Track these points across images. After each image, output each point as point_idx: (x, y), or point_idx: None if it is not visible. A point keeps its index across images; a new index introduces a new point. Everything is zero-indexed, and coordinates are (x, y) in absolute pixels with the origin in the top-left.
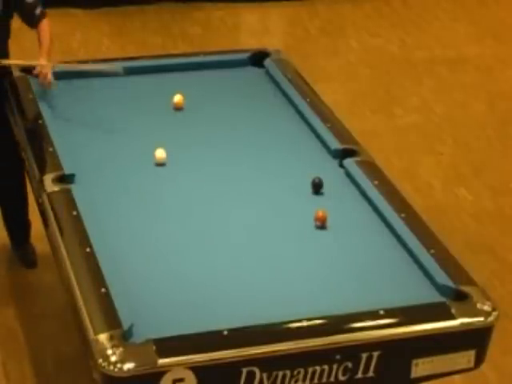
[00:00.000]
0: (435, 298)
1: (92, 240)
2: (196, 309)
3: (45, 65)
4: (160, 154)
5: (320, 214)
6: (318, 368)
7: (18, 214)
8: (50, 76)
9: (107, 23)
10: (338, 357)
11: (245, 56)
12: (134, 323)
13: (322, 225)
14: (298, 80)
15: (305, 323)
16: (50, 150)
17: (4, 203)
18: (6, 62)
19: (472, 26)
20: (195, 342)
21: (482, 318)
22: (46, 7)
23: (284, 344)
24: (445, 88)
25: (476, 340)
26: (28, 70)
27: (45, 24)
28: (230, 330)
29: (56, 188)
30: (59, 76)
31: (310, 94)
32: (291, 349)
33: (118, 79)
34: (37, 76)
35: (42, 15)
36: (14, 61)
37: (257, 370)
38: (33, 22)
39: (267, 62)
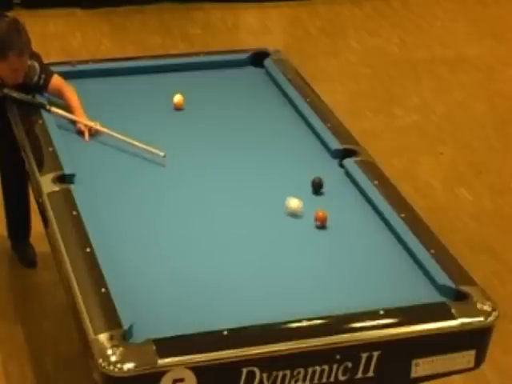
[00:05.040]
0: (435, 298)
1: (92, 240)
2: (196, 309)
3: (86, 125)
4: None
5: (320, 213)
6: (317, 368)
7: (20, 212)
8: (86, 136)
9: (107, 23)
10: (337, 357)
11: (245, 56)
12: (134, 323)
13: (322, 224)
14: (297, 80)
15: (305, 323)
16: (50, 149)
17: (6, 202)
18: (54, 109)
19: (472, 25)
20: (195, 342)
21: (481, 318)
22: (47, 7)
23: (284, 344)
24: (445, 88)
25: (476, 340)
26: None
27: (55, 84)
28: (230, 330)
29: (56, 188)
30: (60, 76)
31: (310, 94)
32: (291, 349)
33: (117, 79)
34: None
35: (47, 80)
36: (63, 112)
37: (257, 370)
38: (42, 90)
39: (267, 62)
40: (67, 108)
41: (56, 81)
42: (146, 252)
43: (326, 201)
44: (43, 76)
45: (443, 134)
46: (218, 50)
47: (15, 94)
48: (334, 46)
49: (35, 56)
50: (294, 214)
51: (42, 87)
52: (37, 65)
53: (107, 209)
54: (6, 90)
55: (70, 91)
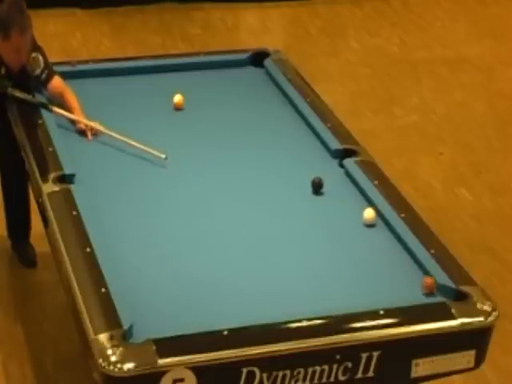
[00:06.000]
0: (435, 297)
1: (92, 240)
2: (196, 309)
3: (87, 125)
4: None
5: (428, 281)
6: (317, 368)
7: (20, 212)
8: (89, 136)
9: (107, 23)
10: (338, 357)
11: (245, 56)
12: (134, 323)
13: (430, 292)
14: (297, 80)
15: (305, 323)
16: (50, 149)
17: (6, 202)
18: (56, 109)
19: (472, 25)
20: (195, 342)
21: (481, 318)
22: (47, 7)
23: (284, 344)
24: (445, 88)
25: (476, 340)
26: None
27: (56, 84)
28: (230, 330)
29: (56, 188)
30: (60, 76)
31: (310, 94)
32: (291, 349)
33: (117, 79)
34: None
35: (49, 76)
36: (64, 112)
37: (257, 370)
38: (42, 85)
39: (267, 62)
40: (67, 109)
41: (57, 82)
42: (146, 252)
43: (325, 201)
44: (46, 71)
45: (443, 134)
46: (218, 49)
47: (18, 93)
48: (334, 46)
49: (40, 50)
50: (369, 224)
51: (42, 83)
52: (41, 58)
53: (107, 209)
54: (9, 90)
55: (70, 94)
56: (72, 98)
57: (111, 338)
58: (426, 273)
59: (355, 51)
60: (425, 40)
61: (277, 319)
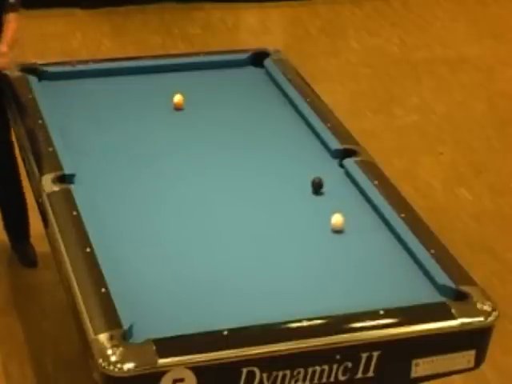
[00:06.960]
0: (435, 298)
1: (92, 240)
2: (196, 309)
3: (4, 53)
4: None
5: None
6: (317, 368)
7: (16, 212)
8: (7, 65)
9: (107, 23)
10: (338, 357)
11: (245, 56)
12: (134, 323)
13: None
14: (297, 80)
15: (305, 323)
16: (50, 149)
17: (2, 203)
18: None
19: (472, 25)
20: (195, 342)
21: (481, 318)
22: (47, 7)
23: (284, 344)
24: (445, 88)
25: (476, 340)
26: (27, 70)
27: (13, 17)
28: (230, 330)
29: (56, 188)
30: (60, 76)
31: (310, 94)
32: (291, 349)
33: (117, 79)
34: None
35: (13, 7)
36: None
37: (257, 370)
38: (3, 9)
39: (267, 61)
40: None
41: (15, 19)
42: (146, 252)
43: (325, 201)
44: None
45: (443, 134)
46: (218, 49)
47: None
48: (334, 46)
49: None
50: (337, 230)
51: (7, 7)
52: None
53: (107, 209)
54: None
55: (14, 25)
56: (9, 30)
57: (111, 338)
58: (426, 273)
59: (355, 51)
60: (425, 40)
61: (277, 319)
